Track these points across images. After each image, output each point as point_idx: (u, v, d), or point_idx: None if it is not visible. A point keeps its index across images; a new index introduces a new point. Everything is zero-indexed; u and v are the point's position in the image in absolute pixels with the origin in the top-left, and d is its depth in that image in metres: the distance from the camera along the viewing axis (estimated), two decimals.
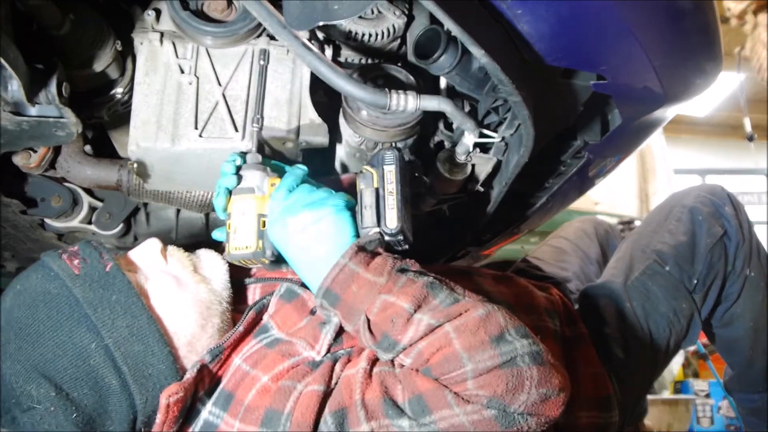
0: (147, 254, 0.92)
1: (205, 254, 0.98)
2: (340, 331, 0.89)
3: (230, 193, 0.90)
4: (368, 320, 0.78)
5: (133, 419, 0.82)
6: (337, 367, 0.83)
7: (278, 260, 0.89)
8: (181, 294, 0.88)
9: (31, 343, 0.78)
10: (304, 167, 0.92)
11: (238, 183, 0.90)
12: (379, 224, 0.85)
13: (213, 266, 0.96)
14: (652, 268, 1.29)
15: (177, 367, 0.84)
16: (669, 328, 1.25)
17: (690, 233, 1.31)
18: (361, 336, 0.79)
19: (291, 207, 0.84)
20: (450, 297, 0.77)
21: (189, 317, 0.88)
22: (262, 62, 0.99)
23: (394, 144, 1.02)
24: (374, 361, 0.80)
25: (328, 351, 0.87)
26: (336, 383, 0.81)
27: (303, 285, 0.96)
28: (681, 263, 1.28)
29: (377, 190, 0.86)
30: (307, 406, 0.76)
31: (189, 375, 0.83)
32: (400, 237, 0.86)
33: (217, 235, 0.95)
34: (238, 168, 0.91)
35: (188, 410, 0.84)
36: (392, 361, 0.80)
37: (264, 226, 0.88)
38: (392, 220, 0.85)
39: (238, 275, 1.03)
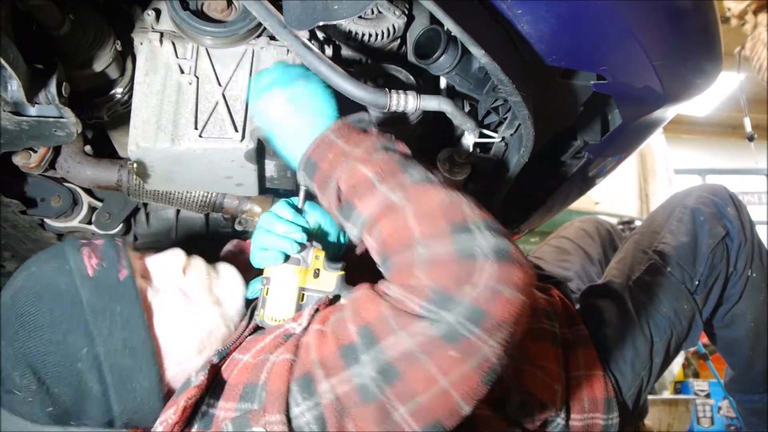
0: (166, 265, 0.90)
1: (225, 272, 0.96)
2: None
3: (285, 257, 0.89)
4: (339, 189, 0.77)
5: (109, 422, 0.83)
6: (292, 341, 0.81)
7: None
8: (187, 316, 0.87)
9: (27, 333, 0.79)
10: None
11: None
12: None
13: (230, 288, 0.94)
14: (653, 269, 1.29)
15: (161, 386, 0.84)
16: (670, 329, 1.25)
17: (692, 234, 1.30)
18: (331, 205, 0.79)
19: (281, 79, 0.85)
20: (421, 174, 0.75)
21: (188, 341, 0.87)
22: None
23: None
24: (325, 321, 0.78)
25: (309, 322, 0.85)
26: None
27: None
28: (682, 264, 1.28)
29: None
30: (279, 374, 0.75)
31: (202, 376, 0.82)
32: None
33: (248, 292, 0.95)
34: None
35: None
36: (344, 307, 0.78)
37: (303, 300, 0.89)
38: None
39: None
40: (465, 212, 0.70)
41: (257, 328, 0.94)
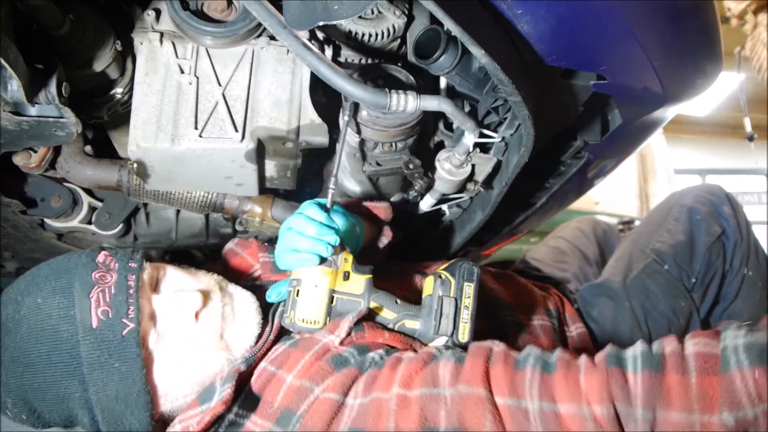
0: (178, 311, 0.87)
1: (242, 314, 0.93)
2: (361, 320, 0.88)
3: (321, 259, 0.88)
4: None
5: None
6: (365, 379, 0.79)
7: None
8: (190, 363, 0.87)
9: (23, 367, 0.81)
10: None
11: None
12: (452, 335, 0.89)
13: (243, 332, 0.92)
14: (651, 267, 1.29)
15: (152, 421, 0.85)
16: (668, 326, 1.25)
17: (688, 232, 1.31)
18: None
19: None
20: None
21: (187, 384, 0.87)
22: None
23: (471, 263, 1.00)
24: (410, 384, 0.76)
25: (348, 335, 0.86)
26: (355, 395, 0.78)
27: None
28: (680, 262, 1.28)
29: (455, 300, 0.89)
30: (320, 413, 0.76)
31: (228, 388, 0.81)
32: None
33: (272, 296, 0.95)
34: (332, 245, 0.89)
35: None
36: (439, 368, 0.77)
37: (333, 302, 0.89)
38: (464, 334, 0.89)
39: (243, 280, 1.03)
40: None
41: (281, 332, 0.94)
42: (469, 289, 0.90)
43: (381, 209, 1.13)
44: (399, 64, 1.05)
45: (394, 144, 1.04)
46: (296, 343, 0.88)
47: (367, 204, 1.12)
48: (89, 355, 0.80)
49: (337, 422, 0.76)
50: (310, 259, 0.87)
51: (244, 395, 0.84)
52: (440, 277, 0.92)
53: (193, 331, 0.87)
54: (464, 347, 0.85)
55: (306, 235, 0.87)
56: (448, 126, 1.11)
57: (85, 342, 0.80)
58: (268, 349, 0.91)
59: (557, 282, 1.41)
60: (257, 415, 0.81)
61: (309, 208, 0.91)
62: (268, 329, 0.94)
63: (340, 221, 0.96)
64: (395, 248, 1.20)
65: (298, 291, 0.88)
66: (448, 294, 0.90)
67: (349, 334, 0.86)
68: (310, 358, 0.84)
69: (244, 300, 0.94)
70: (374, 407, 0.75)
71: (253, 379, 0.86)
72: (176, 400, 0.87)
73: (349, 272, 0.91)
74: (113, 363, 0.81)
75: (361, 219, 1.07)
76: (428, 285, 0.93)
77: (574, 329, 1.22)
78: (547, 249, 1.74)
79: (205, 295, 0.89)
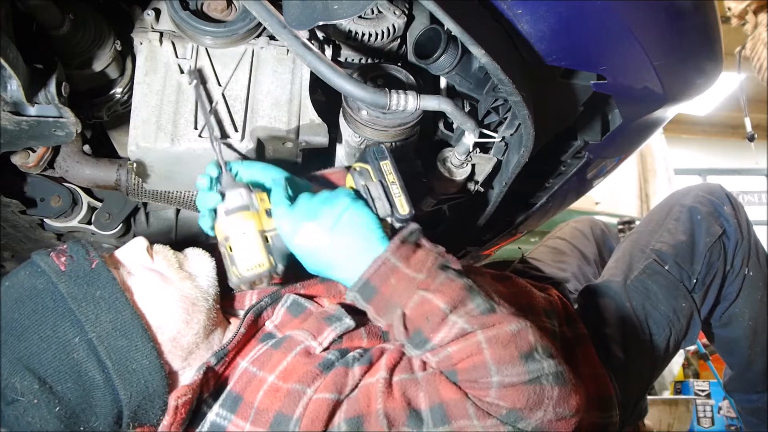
0: (133, 252, 0.92)
1: (192, 252, 0.97)
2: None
3: (215, 212, 0.88)
4: (404, 316, 0.78)
5: (118, 414, 0.82)
6: (356, 372, 0.82)
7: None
8: (165, 289, 0.88)
9: (16, 337, 0.79)
10: (281, 170, 0.91)
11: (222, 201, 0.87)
12: (392, 213, 0.87)
13: (199, 263, 0.95)
14: (651, 268, 1.29)
15: (161, 362, 0.85)
16: (669, 327, 1.25)
17: (689, 233, 1.31)
18: (394, 329, 0.79)
19: (306, 213, 0.83)
20: (486, 303, 0.78)
21: (173, 313, 0.87)
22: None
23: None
24: (393, 369, 0.81)
25: (329, 346, 0.87)
26: (351, 390, 0.80)
27: (306, 296, 0.97)
28: (680, 262, 1.28)
29: (380, 182, 0.88)
30: (317, 414, 0.77)
31: (196, 377, 0.83)
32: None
33: (204, 224, 0.92)
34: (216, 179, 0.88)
35: (193, 412, 0.84)
36: (412, 359, 0.81)
37: (267, 241, 0.86)
38: (403, 207, 0.87)
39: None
40: (531, 341, 0.76)
41: (254, 331, 0.94)
42: (386, 165, 0.88)
43: (336, 174, 1.08)
44: (399, 64, 1.05)
45: (394, 144, 1.04)
46: (278, 344, 0.88)
47: (322, 172, 1.08)
48: (70, 291, 0.82)
49: (336, 419, 0.77)
50: (208, 203, 0.87)
51: (225, 395, 0.84)
52: (356, 170, 0.90)
53: (154, 265, 0.91)
54: (407, 220, 0.86)
55: (199, 192, 0.89)
56: (448, 126, 1.11)
57: (62, 283, 0.82)
58: (243, 346, 0.91)
59: (557, 282, 1.41)
60: (238, 417, 0.81)
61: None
62: (238, 323, 0.94)
63: (251, 175, 0.93)
64: None
65: (230, 246, 0.86)
66: (371, 180, 0.88)
67: (329, 346, 0.87)
68: (292, 360, 0.84)
69: (189, 248, 0.99)
70: (363, 391, 0.79)
71: (234, 379, 0.86)
72: (174, 340, 0.87)
73: (270, 209, 0.88)
74: (95, 292, 0.83)
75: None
76: (349, 183, 0.91)
77: (574, 330, 1.21)
78: (546, 249, 1.74)
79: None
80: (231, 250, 0.85)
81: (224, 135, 0.96)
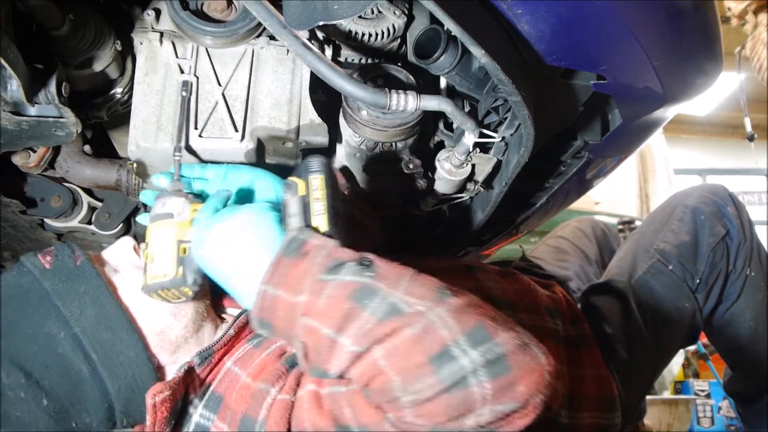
0: (119, 250, 0.93)
1: None
2: None
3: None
4: (304, 344, 0.69)
5: (109, 408, 0.82)
6: (294, 376, 0.79)
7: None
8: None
9: (2, 334, 0.80)
10: (228, 189, 0.88)
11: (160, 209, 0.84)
12: None
13: None
14: (655, 267, 1.29)
15: (148, 355, 0.85)
16: (672, 327, 1.25)
17: (693, 233, 1.31)
18: (301, 363, 0.72)
19: (207, 224, 0.79)
20: (385, 305, 0.65)
21: (159, 306, 0.87)
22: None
23: (299, 150, 0.98)
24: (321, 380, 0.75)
25: None
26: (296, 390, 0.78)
27: None
28: (684, 262, 1.28)
29: (302, 197, 0.79)
30: (281, 416, 0.76)
31: (176, 375, 0.84)
32: None
33: (142, 220, 0.95)
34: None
35: (180, 412, 0.85)
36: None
37: (184, 252, 0.82)
38: (322, 226, 0.77)
39: None
40: (443, 336, 0.62)
41: (244, 330, 0.94)
42: (317, 180, 0.80)
43: None
44: (399, 64, 1.05)
45: (394, 144, 1.04)
46: (259, 343, 0.88)
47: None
48: (54, 288, 0.83)
49: (293, 420, 0.76)
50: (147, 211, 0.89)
51: (208, 395, 0.85)
52: (287, 183, 0.82)
53: (140, 261, 0.91)
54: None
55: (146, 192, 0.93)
56: (448, 126, 1.11)
57: (46, 280, 0.83)
58: (232, 347, 0.91)
59: (561, 280, 1.41)
60: (219, 419, 0.82)
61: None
62: (226, 326, 0.94)
63: (201, 186, 0.94)
64: (396, 248, 1.20)
65: (146, 254, 0.83)
66: (295, 194, 0.79)
67: None
68: (265, 357, 0.84)
69: None
70: (298, 404, 0.76)
71: (218, 380, 0.86)
72: (161, 334, 0.87)
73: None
74: (79, 287, 0.84)
75: None
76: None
77: (579, 329, 1.21)
78: (548, 248, 1.74)
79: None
80: (146, 258, 0.83)
81: (224, 135, 0.96)
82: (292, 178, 0.82)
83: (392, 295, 0.66)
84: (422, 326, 0.63)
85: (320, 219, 0.77)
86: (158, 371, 0.86)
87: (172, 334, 0.88)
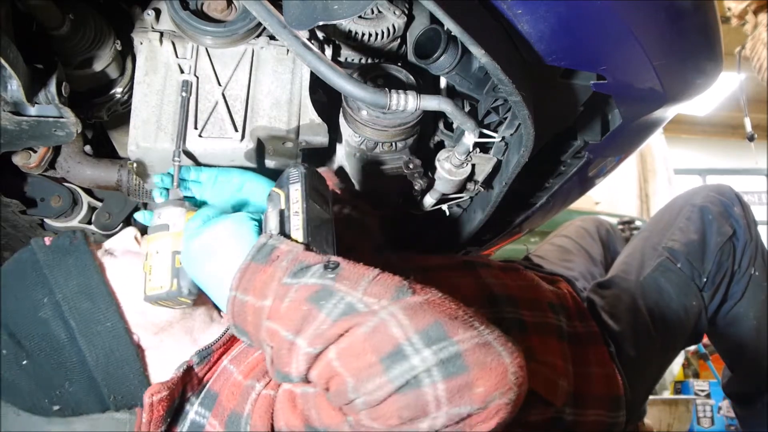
0: (119, 237, 0.96)
1: None
2: None
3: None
4: (271, 349, 0.69)
5: (91, 380, 0.83)
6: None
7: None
8: (139, 266, 0.88)
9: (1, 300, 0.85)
10: (263, 183, 0.90)
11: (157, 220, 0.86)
12: None
13: None
14: (664, 265, 1.30)
15: (126, 328, 0.86)
16: (678, 325, 1.25)
17: (700, 232, 1.32)
18: (270, 369, 0.71)
19: (192, 234, 0.79)
20: (339, 305, 0.63)
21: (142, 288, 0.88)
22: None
23: (298, 161, 0.99)
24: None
25: None
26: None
27: None
28: (692, 261, 1.29)
29: (282, 211, 0.78)
30: (264, 411, 0.76)
31: (174, 374, 0.84)
32: None
33: (138, 217, 0.98)
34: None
35: (177, 410, 0.85)
36: None
37: (180, 263, 0.83)
38: (299, 239, 0.75)
39: None
40: (394, 334, 0.60)
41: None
42: (295, 192, 0.78)
43: (327, 174, 1.08)
44: (399, 64, 1.05)
45: (394, 144, 1.04)
46: None
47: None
48: (45, 260, 0.87)
49: (274, 417, 0.76)
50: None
51: (204, 393, 0.85)
52: (270, 195, 0.81)
53: (139, 249, 0.93)
54: None
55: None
56: (448, 126, 1.11)
57: (41, 253, 0.88)
58: (231, 346, 0.92)
59: (567, 278, 1.40)
60: (213, 416, 0.82)
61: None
62: (224, 328, 0.94)
63: (202, 194, 0.96)
64: (396, 248, 1.20)
65: (145, 265, 0.85)
66: (277, 206, 0.79)
67: None
68: (258, 356, 0.85)
69: None
70: (278, 401, 0.76)
71: (214, 378, 0.87)
72: (143, 314, 0.87)
73: None
74: (68, 260, 0.87)
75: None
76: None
77: (586, 327, 1.21)
78: (552, 247, 1.74)
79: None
80: (145, 269, 0.85)
81: (224, 135, 0.96)
82: (275, 189, 0.82)
83: (350, 295, 0.64)
84: (373, 325, 0.61)
85: (298, 233, 0.76)
86: (138, 350, 0.87)
87: (154, 316, 0.89)
